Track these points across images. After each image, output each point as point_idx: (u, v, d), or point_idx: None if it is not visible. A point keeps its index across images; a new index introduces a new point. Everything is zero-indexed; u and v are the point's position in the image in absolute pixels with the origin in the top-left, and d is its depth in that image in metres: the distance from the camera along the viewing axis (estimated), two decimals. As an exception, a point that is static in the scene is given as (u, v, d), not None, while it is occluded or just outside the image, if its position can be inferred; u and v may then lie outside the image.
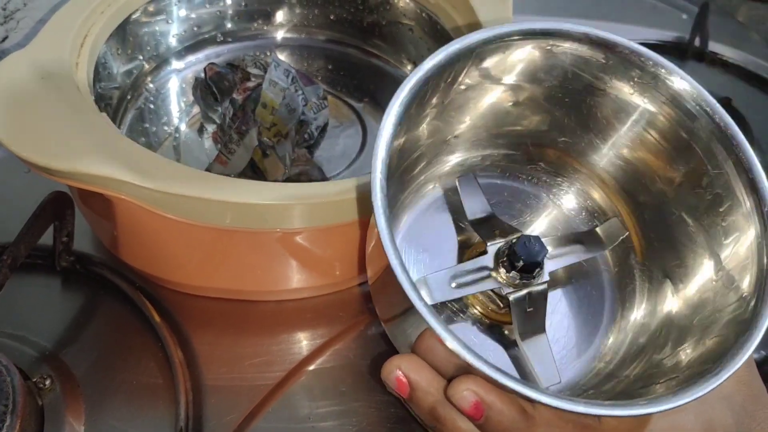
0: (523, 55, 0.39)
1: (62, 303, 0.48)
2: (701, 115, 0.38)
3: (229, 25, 0.61)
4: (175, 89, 0.58)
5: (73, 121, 0.42)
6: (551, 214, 0.46)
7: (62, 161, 0.39)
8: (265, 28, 0.62)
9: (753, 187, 0.37)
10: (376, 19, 0.61)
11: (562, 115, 0.42)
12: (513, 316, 0.39)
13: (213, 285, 0.48)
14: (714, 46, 0.73)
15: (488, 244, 0.40)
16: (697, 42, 0.72)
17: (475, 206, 0.42)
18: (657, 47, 0.72)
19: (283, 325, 0.48)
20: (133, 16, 0.53)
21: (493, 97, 0.42)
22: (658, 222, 0.42)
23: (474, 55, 0.38)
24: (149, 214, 0.41)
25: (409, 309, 0.32)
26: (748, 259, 0.37)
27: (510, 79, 0.41)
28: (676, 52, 0.73)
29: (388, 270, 0.32)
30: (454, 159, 0.44)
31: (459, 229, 0.43)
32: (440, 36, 0.56)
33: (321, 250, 0.45)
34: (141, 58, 0.56)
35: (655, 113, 0.40)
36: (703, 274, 0.39)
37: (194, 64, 0.59)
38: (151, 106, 0.56)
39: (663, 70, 0.39)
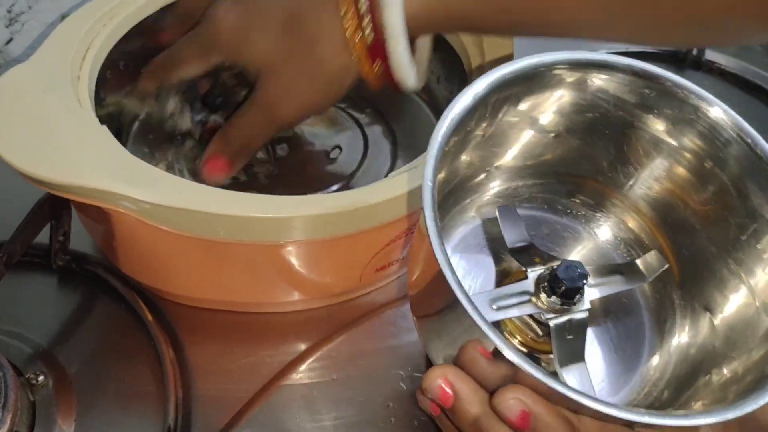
0: (564, 86, 0.40)
1: (58, 301, 0.49)
2: (739, 143, 0.38)
3: None
4: (176, 102, 0.57)
5: (72, 134, 0.42)
6: (588, 246, 0.46)
7: (60, 174, 0.40)
8: None
9: None
10: None
11: (601, 148, 0.43)
12: (553, 343, 0.39)
13: (210, 297, 0.48)
14: (711, 55, 0.73)
15: (528, 270, 0.40)
16: (694, 50, 0.73)
17: (514, 235, 0.42)
18: (655, 56, 0.73)
19: (276, 335, 0.49)
20: (139, 26, 0.53)
21: (533, 129, 0.42)
22: (696, 253, 0.42)
23: (518, 83, 0.38)
24: (147, 227, 0.41)
25: (454, 321, 0.33)
26: None
27: (550, 110, 0.41)
28: (674, 60, 0.73)
29: (436, 278, 0.31)
30: (492, 189, 0.45)
31: (497, 259, 0.44)
32: (447, 51, 0.56)
33: (317, 263, 0.46)
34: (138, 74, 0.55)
35: (690, 146, 0.40)
36: (740, 303, 0.39)
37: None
38: (154, 121, 0.55)
39: (703, 103, 0.39)
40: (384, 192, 0.42)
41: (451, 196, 0.43)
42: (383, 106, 0.60)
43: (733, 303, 0.39)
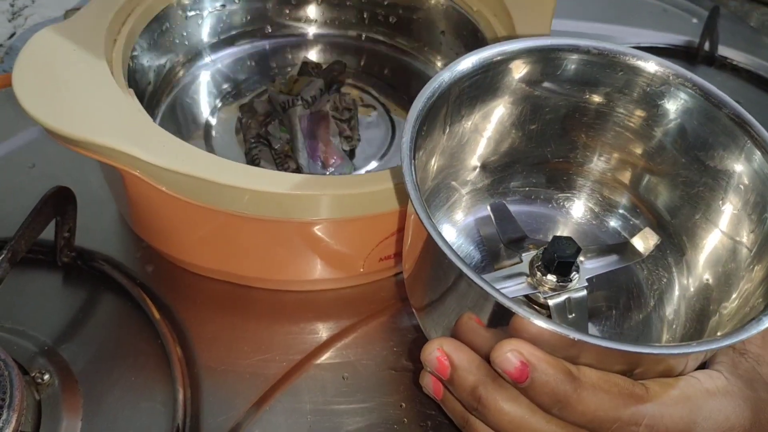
0: (517, 76, 0.41)
1: (63, 298, 0.48)
2: (678, 89, 0.40)
3: (261, 21, 0.61)
4: (206, 83, 0.58)
5: (96, 94, 0.43)
6: (575, 231, 0.46)
7: (77, 130, 0.40)
8: (298, 24, 0.62)
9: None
10: (409, 19, 0.61)
11: (559, 131, 0.44)
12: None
13: (225, 269, 0.48)
14: (724, 51, 0.72)
15: (523, 254, 0.40)
16: (706, 46, 0.72)
17: (508, 229, 0.42)
18: (667, 51, 0.72)
19: (283, 321, 0.48)
20: (173, 5, 0.54)
21: (495, 123, 0.43)
22: (670, 209, 0.43)
23: (476, 74, 0.39)
24: (158, 192, 0.42)
25: (449, 290, 0.33)
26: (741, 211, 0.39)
27: (507, 103, 0.42)
28: (686, 56, 0.72)
29: (428, 246, 0.32)
30: (473, 189, 0.45)
31: (493, 255, 0.44)
32: (475, 42, 0.56)
33: (338, 243, 0.45)
34: (174, 51, 0.56)
35: (631, 109, 0.42)
36: (716, 242, 0.41)
37: (225, 58, 0.60)
38: (184, 99, 0.57)
39: (641, 61, 0.40)
40: (395, 177, 0.42)
41: (433, 198, 0.43)
42: (409, 91, 0.60)
43: (711, 244, 0.41)
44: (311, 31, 0.62)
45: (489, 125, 0.43)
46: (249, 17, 0.60)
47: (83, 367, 0.44)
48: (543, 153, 0.45)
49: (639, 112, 0.42)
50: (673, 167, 0.42)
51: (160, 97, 0.55)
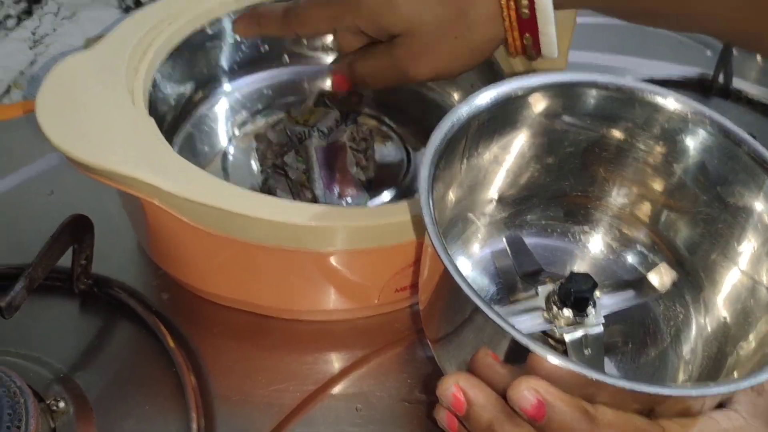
0: (536, 110, 0.41)
1: (79, 325, 0.48)
2: (699, 126, 0.40)
3: (279, 51, 0.61)
4: (224, 111, 0.59)
5: (118, 123, 0.44)
6: (592, 265, 0.46)
7: (99, 160, 0.41)
8: (315, 54, 0.62)
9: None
10: None
11: (578, 166, 0.44)
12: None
13: (241, 298, 0.48)
14: (738, 83, 0.72)
15: (539, 288, 0.40)
16: (721, 79, 0.72)
17: (524, 262, 0.43)
18: (681, 84, 0.73)
19: (298, 351, 0.48)
20: (193, 36, 0.54)
21: (513, 156, 0.43)
22: (688, 246, 0.43)
23: (494, 109, 0.39)
24: (177, 221, 0.42)
25: (465, 324, 0.33)
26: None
27: (525, 136, 0.42)
28: (701, 88, 0.72)
29: (444, 280, 0.32)
30: (490, 221, 0.45)
31: (509, 288, 0.44)
32: (490, 74, 0.56)
33: (353, 273, 0.46)
34: (194, 79, 0.57)
35: (651, 145, 0.42)
36: (735, 281, 0.41)
37: (243, 87, 0.60)
38: (201, 127, 0.57)
39: (659, 97, 0.41)
40: (413, 209, 0.42)
41: (450, 230, 0.43)
42: (424, 121, 0.60)
43: (729, 282, 0.41)
44: (329, 61, 0.63)
45: (507, 158, 0.43)
46: (267, 47, 0.60)
47: (98, 394, 0.44)
48: (561, 186, 0.45)
49: (659, 148, 0.42)
50: (692, 204, 0.42)
51: (178, 124, 0.55)
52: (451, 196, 0.41)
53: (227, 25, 0.56)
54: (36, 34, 0.63)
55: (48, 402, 0.43)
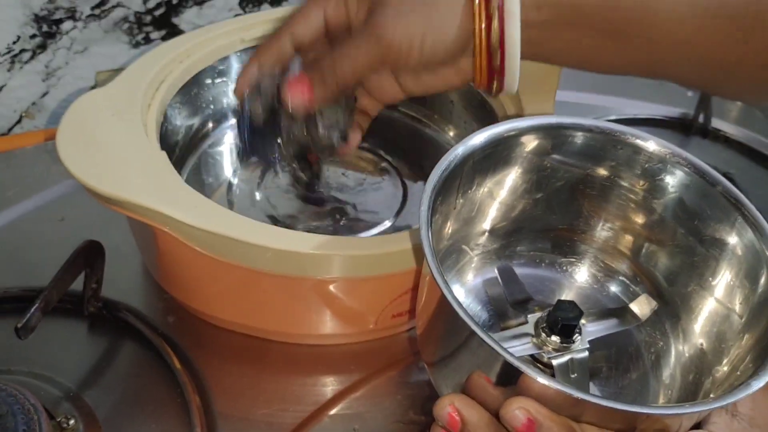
0: (527, 149, 0.44)
1: (88, 346, 0.50)
2: (676, 167, 0.43)
3: None
4: (230, 144, 0.62)
5: (133, 156, 0.47)
6: (578, 295, 0.49)
7: (115, 189, 0.44)
8: None
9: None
10: None
11: (565, 202, 0.47)
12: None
13: (244, 321, 0.51)
14: (717, 123, 0.76)
15: (528, 315, 0.42)
16: (701, 118, 0.75)
17: (514, 290, 0.45)
18: (662, 123, 0.76)
19: (297, 373, 0.50)
20: (203, 73, 0.58)
21: (505, 192, 0.46)
22: (666, 276, 0.46)
23: (489, 148, 0.42)
24: (187, 248, 0.45)
25: (460, 348, 0.35)
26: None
27: (517, 173, 0.45)
28: (681, 127, 0.76)
29: (442, 307, 0.34)
30: (482, 253, 0.48)
31: (500, 315, 0.46)
32: (483, 113, 0.59)
33: (352, 300, 0.48)
34: (202, 113, 0.60)
35: (633, 182, 0.45)
36: (711, 310, 0.43)
37: None
38: (208, 159, 0.60)
39: (639, 140, 0.44)
40: (412, 239, 0.45)
41: (445, 260, 0.46)
42: (420, 156, 0.63)
43: (705, 311, 0.43)
44: None
45: (500, 193, 0.46)
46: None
47: (106, 413, 0.46)
48: (549, 220, 0.47)
49: (640, 186, 0.45)
50: (671, 238, 0.45)
51: (187, 156, 0.58)
52: (448, 228, 0.44)
53: (235, 62, 0.59)
54: (49, 67, 0.65)
55: (59, 419, 0.45)
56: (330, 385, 0.50)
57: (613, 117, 0.74)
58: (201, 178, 0.58)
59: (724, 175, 0.64)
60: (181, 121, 0.57)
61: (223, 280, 0.48)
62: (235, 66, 0.59)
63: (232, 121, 0.62)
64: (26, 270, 0.53)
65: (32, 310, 0.44)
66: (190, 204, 0.44)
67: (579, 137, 0.44)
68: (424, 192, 0.38)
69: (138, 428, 0.46)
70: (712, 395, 0.40)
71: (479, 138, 0.41)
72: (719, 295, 0.42)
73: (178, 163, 0.56)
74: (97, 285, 0.51)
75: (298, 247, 0.43)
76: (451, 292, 0.34)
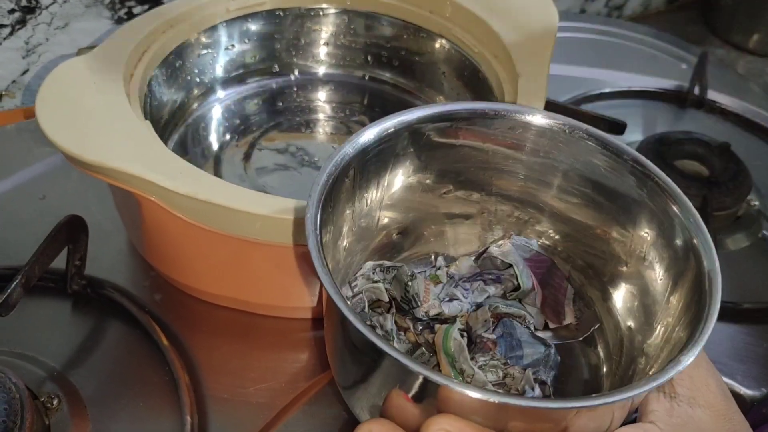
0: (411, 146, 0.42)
1: (72, 325, 0.49)
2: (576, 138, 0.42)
3: (270, 60, 0.63)
4: (217, 118, 0.61)
5: (115, 123, 0.45)
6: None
7: (97, 156, 0.42)
8: (305, 64, 0.65)
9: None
10: (412, 61, 0.64)
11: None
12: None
13: (232, 295, 0.49)
14: (713, 95, 0.75)
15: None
16: (696, 90, 0.74)
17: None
18: (657, 95, 0.75)
19: (289, 349, 0.49)
20: (187, 43, 0.56)
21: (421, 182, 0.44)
22: (590, 263, 0.45)
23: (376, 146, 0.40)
24: (177, 219, 0.43)
25: (371, 367, 0.33)
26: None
27: (405, 175, 0.44)
28: (676, 99, 0.75)
29: (343, 326, 0.32)
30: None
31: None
32: (476, 82, 0.58)
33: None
34: (187, 86, 0.58)
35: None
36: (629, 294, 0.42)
37: (235, 95, 0.62)
38: (193, 134, 0.58)
39: (529, 116, 0.42)
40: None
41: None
42: None
43: (626, 281, 0.43)
44: (318, 71, 0.65)
45: (398, 190, 0.44)
46: (259, 57, 0.62)
47: (92, 392, 0.45)
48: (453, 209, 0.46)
49: (538, 163, 0.44)
50: (582, 215, 0.44)
51: (172, 129, 0.57)
52: (345, 231, 0.42)
53: (222, 33, 0.58)
54: (29, 43, 0.64)
55: (42, 399, 0.44)
56: (322, 361, 0.48)
57: (607, 89, 0.73)
58: (187, 153, 0.57)
59: (722, 144, 0.64)
60: (166, 93, 0.55)
61: (210, 250, 0.46)
62: (222, 37, 0.57)
63: (219, 94, 0.61)
64: (6, 248, 0.52)
65: (13, 285, 0.43)
66: (177, 171, 0.43)
67: (472, 121, 0.42)
68: (308, 202, 0.35)
69: (125, 407, 0.45)
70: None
71: (368, 135, 0.39)
72: (638, 267, 0.41)
73: (164, 137, 0.55)
74: (81, 262, 0.49)
75: (287, 213, 0.42)
76: (348, 308, 0.31)
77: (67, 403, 0.44)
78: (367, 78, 0.65)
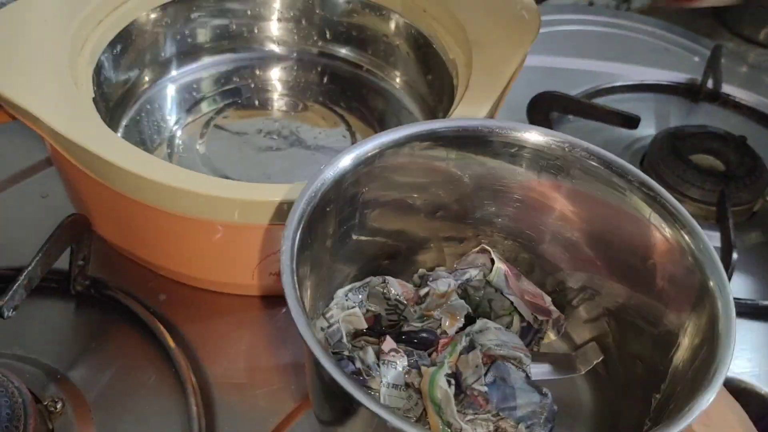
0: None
1: (76, 327, 0.48)
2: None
3: (224, 38, 0.63)
4: (171, 96, 0.60)
5: (46, 63, 0.46)
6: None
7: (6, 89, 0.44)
8: (260, 42, 0.65)
9: None
10: (366, 36, 0.64)
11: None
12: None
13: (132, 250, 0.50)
14: (725, 88, 0.74)
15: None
16: (710, 84, 0.73)
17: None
18: (669, 89, 0.74)
19: (300, 352, 0.47)
20: (138, 21, 0.56)
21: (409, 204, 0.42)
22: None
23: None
24: (77, 170, 0.44)
25: (352, 414, 0.32)
26: None
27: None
28: (689, 93, 0.74)
29: (320, 372, 0.31)
30: None
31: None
32: (430, 58, 0.58)
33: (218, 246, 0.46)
34: (139, 65, 0.58)
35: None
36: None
37: (190, 72, 0.62)
38: (147, 113, 0.58)
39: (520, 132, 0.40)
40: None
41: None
42: (369, 105, 0.63)
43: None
44: (273, 48, 0.64)
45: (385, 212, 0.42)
46: (213, 34, 0.62)
47: (96, 396, 0.44)
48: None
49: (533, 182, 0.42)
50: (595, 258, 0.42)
51: (125, 107, 0.56)
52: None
53: (173, 11, 0.58)
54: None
55: (46, 403, 0.42)
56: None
57: (619, 83, 0.72)
58: (141, 132, 0.57)
59: (738, 138, 0.62)
60: (118, 69, 0.55)
61: (115, 209, 0.47)
62: (174, 14, 0.58)
63: (173, 73, 0.61)
64: (8, 249, 0.51)
65: (15, 286, 0.42)
66: (76, 118, 0.44)
67: (460, 139, 0.40)
68: (284, 234, 0.34)
69: (130, 410, 0.44)
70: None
71: (345, 161, 0.37)
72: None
73: (117, 114, 0.55)
74: (84, 262, 0.48)
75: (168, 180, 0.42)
76: (324, 354, 0.30)
77: (71, 406, 0.43)
78: (323, 55, 0.65)
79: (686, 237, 0.36)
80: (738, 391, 0.50)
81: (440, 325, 0.42)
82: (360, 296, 0.41)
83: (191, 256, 0.48)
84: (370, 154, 0.38)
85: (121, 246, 0.50)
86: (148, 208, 0.43)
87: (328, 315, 0.40)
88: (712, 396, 0.31)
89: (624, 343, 0.41)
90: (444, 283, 0.42)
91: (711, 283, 0.35)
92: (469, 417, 0.37)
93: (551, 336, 0.43)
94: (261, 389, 0.46)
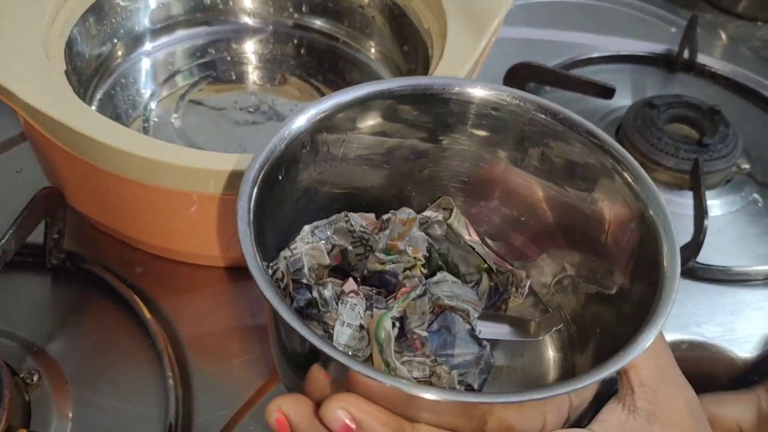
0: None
1: (52, 300, 0.48)
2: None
3: (198, 11, 0.63)
4: (145, 70, 0.60)
5: (25, 39, 0.46)
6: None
7: None
8: (234, 14, 0.64)
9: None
10: (341, 7, 0.63)
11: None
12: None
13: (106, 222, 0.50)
14: (702, 59, 0.74)
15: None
16: (686, 54, 0.73)
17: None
18: (646, 59, 0.74)
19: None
20: None
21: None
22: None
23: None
24: (49, 141, 0.44)
25: (292, 344, 0.33)
26: None
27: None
28: (665, 63, 0.74)
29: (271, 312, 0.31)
30: None
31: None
32: (403, 26, 0.59)
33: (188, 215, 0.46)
34: (112, 39, 0.58)
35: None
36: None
37: (165, 46, 0.62)
38: (121, 87, 0.58)
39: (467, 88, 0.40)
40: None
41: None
42: (345, 77, 0.63)
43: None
44: (248, 20, 0.64)
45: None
46: (187, 7, 0.62)
47: (73, 368, 0.44)
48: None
49: (483, 137, 0.42)
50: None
51: (99, 81, 0.56)
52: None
53: None
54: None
55: (22, 375, 0.43)
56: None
57: (595, 54, 0.72)
58: (116, 106, 0.57)
59: (712, 107, 0.63)
60: (92, 42, 0.55)
61: (88, 179, 0.46)
62: None
63: (147, 46, 0.61)
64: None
65: (-12, 260, 0.42)
66: (45, 87, 0.44)
67: (409, 101, 0.40)
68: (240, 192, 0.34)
69: (107, 381, 0.44)
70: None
71: (301, 120, 0.37)
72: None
73: (90, 87, 0.55)
74: (59, 236, 0.48)
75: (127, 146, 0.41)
76: (274, 293, 0.30)
77: (48, 378, 0.43)
78: (298, 27, 0.65)
79: (631, 181, 0.37)
80: (709, 355, 0.51)
81: (406, 260, 0.42)
82: (327, 233, 0.42)
83: (167, 228, 0.47)
84: (325, 114, 0.38)
85: (97, 219, 0.50)
86: (123, 181, 0.43)
87: (292, 246, 0.40)
88: (651, 337, 0.30)
89: (586, 309, 0.41)
90: (405, 212, 0.42)
91: (655, 219, 0.35)
92: (405, 358, 0.38)
93: (517, 300, 0.43)
94: (237, 359, 0.46)
